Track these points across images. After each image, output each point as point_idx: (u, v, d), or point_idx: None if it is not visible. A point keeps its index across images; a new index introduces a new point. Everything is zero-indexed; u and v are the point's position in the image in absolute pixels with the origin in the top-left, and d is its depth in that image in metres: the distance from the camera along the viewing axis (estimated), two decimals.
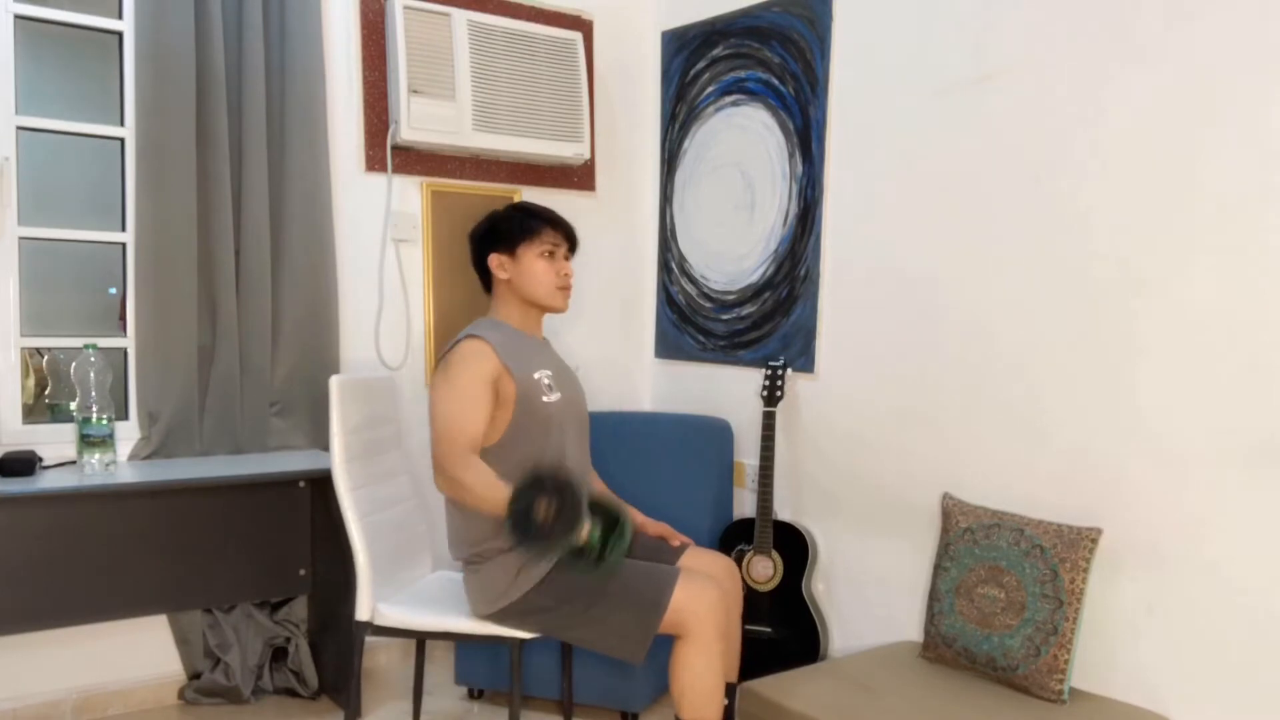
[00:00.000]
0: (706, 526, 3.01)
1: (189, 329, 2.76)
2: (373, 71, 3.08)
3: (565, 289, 2.34)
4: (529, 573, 2.16)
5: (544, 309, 2.35)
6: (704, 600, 2.09)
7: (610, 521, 1.95)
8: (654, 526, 2.47)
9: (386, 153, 3.11)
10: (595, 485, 2.51)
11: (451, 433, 2.11)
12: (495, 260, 2.32)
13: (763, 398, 2.98)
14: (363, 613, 2.24)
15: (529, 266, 2.29)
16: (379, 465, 2.46)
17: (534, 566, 2.16)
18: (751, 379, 3.24)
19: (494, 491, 2.05)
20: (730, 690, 2.30)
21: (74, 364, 2.56)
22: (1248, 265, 2.04)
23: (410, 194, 3.19)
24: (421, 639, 2.40)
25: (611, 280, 3.62)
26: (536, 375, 2.26)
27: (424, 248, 3.22)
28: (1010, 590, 2.27)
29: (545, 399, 2.25)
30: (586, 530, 1.92)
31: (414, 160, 3.18)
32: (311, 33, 2.90)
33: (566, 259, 2.35)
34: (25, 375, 2.68)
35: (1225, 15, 2.06)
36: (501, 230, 2.32)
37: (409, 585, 2.48)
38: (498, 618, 2.18)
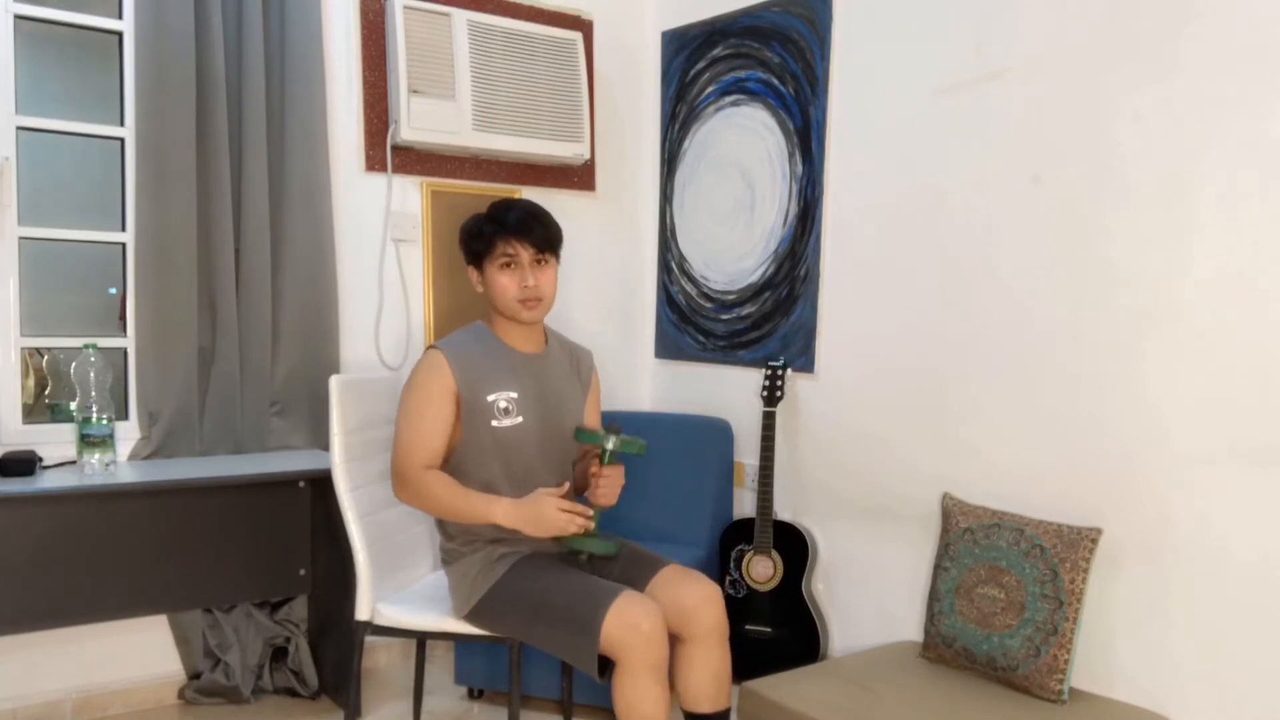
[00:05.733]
0: (706, 526, 3.01)
1: (189, 329, 2.76)
2: (373, 71, 3.07)
3: (526, 301, 2.17)
4: (487, 575, 2.15)
5: (516, 322, 2.23)
6: (636, 631, 1.95)
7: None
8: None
9: (386, 153, 3.11)
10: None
11: (411, 448, 2.13)
12: (473, 276, 2.25)
13: (763, 398, 2.98)
14: (363, 613, 2.24)
15: (493, 280, 2.19)
16: (379, 465, 2.46)
17: (490, 569, 2.15)
18: (751, 379, 3.24)
19: (458, 499, 2.10)
20: (724, 715, 2.18)
21: (74, 364, 2.56)
22: (1249, 265, 2.04)
23: (410, 194, 3.19)
24: (421, 639, 2.40)
25: (611, 280, 3.62)
26: (491, 398, 2.16)
27: (424, 248, 3.22)
28: (1010, 590, 2.27)
29: (495, 423, 2.16)
30: None
31: (414, 160, 3.18)
32: (311, 33, 2.90)
33: (537, 264, 2.18)
34: (25, 375, 2.68)
35: (1229, 13, 2.06)
36: (468, 247, 2.23)
37: (409, 585, 2.48)
38: (470, 619, 2.17)
